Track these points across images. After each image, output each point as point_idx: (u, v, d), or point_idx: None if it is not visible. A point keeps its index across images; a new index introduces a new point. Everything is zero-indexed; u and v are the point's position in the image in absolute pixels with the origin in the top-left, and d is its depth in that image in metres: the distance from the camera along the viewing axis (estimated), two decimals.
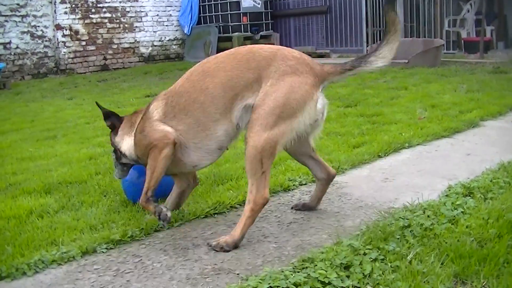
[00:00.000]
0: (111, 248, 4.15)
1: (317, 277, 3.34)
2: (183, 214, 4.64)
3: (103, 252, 4.09)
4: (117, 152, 4.62)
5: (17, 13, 17.68)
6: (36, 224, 4.63)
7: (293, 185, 5.31)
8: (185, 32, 21.32)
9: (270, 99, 3.82)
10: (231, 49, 4.24)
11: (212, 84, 4.01)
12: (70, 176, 6.05)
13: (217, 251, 3.94)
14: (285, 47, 4.13)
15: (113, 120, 4.63)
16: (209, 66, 4.10)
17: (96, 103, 4.73)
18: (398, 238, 3.81)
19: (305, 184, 5.37)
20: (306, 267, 3.50)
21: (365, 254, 3.59)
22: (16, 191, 5.57)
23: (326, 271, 3.38)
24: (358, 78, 12.50)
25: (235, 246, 3.94)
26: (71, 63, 18.73)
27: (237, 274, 3.60)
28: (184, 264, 3.81)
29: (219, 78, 3.99)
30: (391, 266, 3.46)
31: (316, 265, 3.48)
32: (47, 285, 3.67)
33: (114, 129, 4.62)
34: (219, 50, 19.71)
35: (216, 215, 4.70)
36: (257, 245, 4.04)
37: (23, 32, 17.77)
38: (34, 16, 18.02)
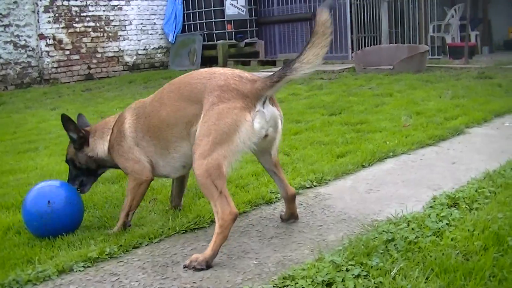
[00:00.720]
0: (88, 266, 4.04)
1: None
2: (162, 230, 4.54)
3: (80, 270, 3.98)
4: (86, 162, 4.93)
5: (0, 23, 17.53)
6: (13, 241, 4.54)
7: (275, 197, 5.20)
8: (170, 40, 21.24)
9: (203, 129, 3.99)
10: (179, 78, 4.45)
11: (165, 113, 4.35)
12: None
13: (192, 269, 3.86)
14: (217, 72, 4.21)
15: (83, 133, 4.90)
16: (164, 94, 4.44)
17: (62, 116, 4.87)
18: (381, 253, 3.72)
19: None
20: (287, 285, 3.42)
21: (347, 270, 3.50)
22: None
23: None
24: (343, 85, 12.48)
25: (207, 264, 3.86)
26: (55, 73, 18.59)
27: None
28: (163, 282, 3.70)
29: (170, 108, 4.32)
30: (374, 282, 3.37)
31: (297, 283, 3.40)
32: None
33: (84, 141, 4.89)
34: (204, 58, 19.74)
35: (196, 230, 4.60)
36: (237, 262, 3.94)
37: (6, 42, 17.61)
38: (17, 25, 17.87)
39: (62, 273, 3.97)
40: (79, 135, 4.84)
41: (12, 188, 6.13)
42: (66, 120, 4.81)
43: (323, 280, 3.39)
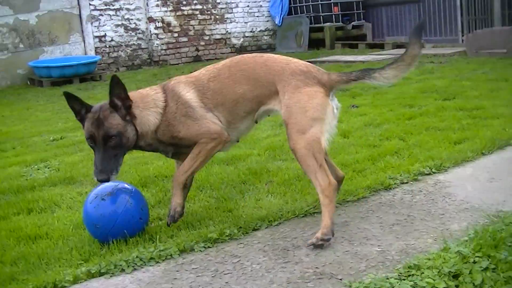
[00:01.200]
0: (208, 247, 4.08)
1: (424, 286, 3.17)
2: (281, 213, 4.54)
3: (200, 251, 4.03)
4: (123, 138, 4.23)
5: (111, 7, 17.99)
6: None
7: (394, 183, 5.10)
8: (276, 22, 21.19)
9: (296, 108, 4.22)
10: (247, 57, 4.61)
11: (241, 90, 4.43)
12: (166, 169, 6.04)
13: (319, 246, 3.94)
14: (292, 60, 4.49)
15: (122, 99, 4.26)
16: (234, 72, 4.48)
17: (112, 77, 4.23)
18: (509, 246, 3.55)
19: (407, 182, 5.15)
20: (413, 275, 3.33)
21: (474, 262, 3.38)
22: None
23: (434, 280, 3.21)
24: (454, 69, 12.13)
25: (332, 233, 4.00)
26: (164, 55, 18.93)
27: (340, 279, 3.46)
28: (284, 266, 3.69)
29: (246, 86, 4.43)
30: (503, 276, 3.23)
31: (423, 273, 3.31)
32: (145, 283, 3.64)
33: (118, 108, 4.23)
34: (311, 40, 19.62)
35: (315, 214, 4.55)
36: (359, 248, 3.89)
37: (117, 25, 18.07)
38: (127, 9, 18.29)
39: (183, 253, 4.02)
40: (127, 103, 4.26)
41: (129, 166, 6.27)
42: (116, 83, 4.20)
43: (450, 271, 3.29)
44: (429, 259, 3.47)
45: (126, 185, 4.44)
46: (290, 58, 4.55)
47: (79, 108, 4.27)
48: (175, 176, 4.46)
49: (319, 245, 3.93)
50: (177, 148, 4.54)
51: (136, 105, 4.31)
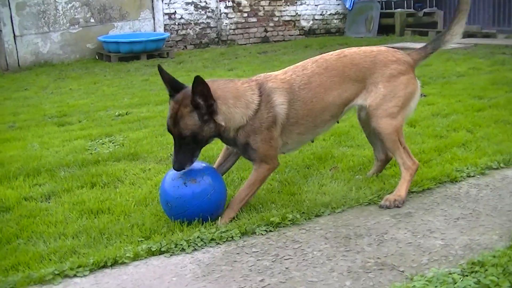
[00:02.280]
0: (270, 231, 4.07)
1: (487, 284, 3.10)
2: (345, 200, 4.48)
3: (262, 234, 4.02)
4: (198, 136, 4.17)
5: None
6: None
7: (461, 176, 5.00)
8: (347, 6, 20.95)
9: (389, 95, 4.55)
10: (331, 59, 4.64)
11: (331, 97, 4.56)
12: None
13: (388, 207, 4.41)
14: (380, 52, 4.71)
15: (205, 97, 4.12)
16: (324, 79, 4.55)
17: (196, 78, 4.01)
18: None
19: (473, 176, 5.04)
20: (476, 271, 3.27)
21: None
22: None
23: (498, 278, 3.14)
24: None
25: (403, 202, 4.46)
26: (232, 34, 18.91)
27: (402, 271, 3.41)
28: (346, 255, 3.65)
29: (336, 92, 4.57)
30: None
31: (487, 270, 3.24)
32: (205, 264, 3.64)
33: (199, 107, 4.11)
34: (381, 26, 19.37)
35: (380, 202, 4.49)
36: (422, 240, 3.82)
37: (187, 3, 18.07)
38: None
39: (244, 235, 4.02)
40: (210, 103, 4.14)
41: None
42: (199, 83, 4.03)
43: None
44: (494, 257, 3.39)
45: (211, 177, 4.30)
46: (370, 48, 4.77)
47: (168, 82, 4.24)
48: (231, 204, 4.39)
49: (389, 207, 4.42)
50: (241, 152, 4.49)
51: (225, 102, 4.24)
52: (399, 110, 4.55)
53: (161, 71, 4.22)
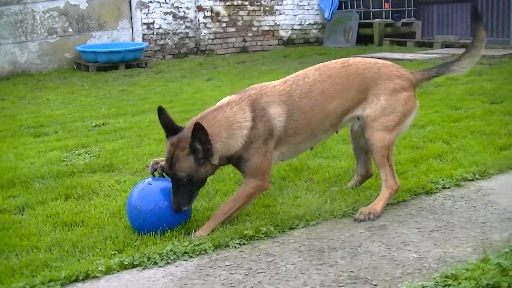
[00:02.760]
0: (243, 244, 4.04)
1: None
2: (319, 213, 4.47)
3: (235, 247, 3.99)
4: (193, 178, 4.21)
5: None
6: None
7: (436, 188, 5.01)
8: (326, 16, 20.99)
9: (389, 109, 4.57)
10: (335, 68, 4.67)
11: (332, 106, 4.57)
12: None
13: (363, 220, 4.38)
14: (385, 65, 4.73)
15: (202, 143, 4.15)
16: (327, 87, 4.57)
17: (196, 124, 4.08)
18: None
19: (449, 188, 5.05)
20: (449, 285, 3.25)
21: None
22: None
23: None
24: (504, 72, 11.87)
25: (378, 216, 4.43)
26: (211, 44, 18.90)
27: (375, 285, 3.39)
28: (319, 268, 3.63)
29: (338, 100, 4.58)
30: None
31: (460, 283, 3.23)
32: (177, 278, 3.61)
33: (196, 152, 4.16)
34: (359, 36, 19.43)
35: (355, 215, 4.48)
36: (396, 253, 3.81)
37: (166, 13, 18.04)
38: None
39: (217, 248, 3.99)
40: (206, 146, 4.16)
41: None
42: (199, 129, 4.08)
43: (488, 283, 3.18)
44: (467, 270, 3.37)
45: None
46: (374, 60, 4.81)
47: (165, 125, 4.30)
48: (211, 217, 4.36)
49: (364, 220, 4.39)
50: (235, 164, 4.48)
51: (219, 139, 4.25)
52: (395, 125, 4.58)
53: (160, 112, 4.29)
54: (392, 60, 14.77)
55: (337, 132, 4.88)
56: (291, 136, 4.51)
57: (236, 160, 4.39)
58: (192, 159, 4.15)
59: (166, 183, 4.33)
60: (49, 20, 15.92)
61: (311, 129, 4.58)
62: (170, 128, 4.28)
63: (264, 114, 4.36)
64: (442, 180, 5.14)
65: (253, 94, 4.47)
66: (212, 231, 4.23)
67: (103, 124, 8.49)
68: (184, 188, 4.20)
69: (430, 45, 17.98)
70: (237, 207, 4.37)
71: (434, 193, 4.95)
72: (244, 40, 19.59)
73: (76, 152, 6.87)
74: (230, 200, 4.44)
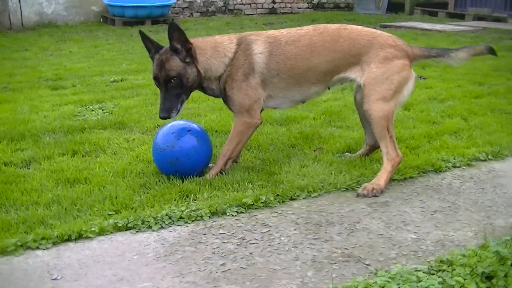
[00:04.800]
0: (241, 212, 3.99)
1: (452, 285, 2.99)
2: (322, 184, 4.39)
3: (232, 215, 3.95)
4: (183, 78, 4.46)
5: None
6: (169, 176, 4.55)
7: (446, 166, 4.88)
8: None
9: (382, 78, 4.52)
10: (330, 28, 4.77)
11: (318, 61, 4.63)
12: (218, 124, 5.96)
13: (366, 196, 4.30)
14: (377, 32, 4.77)
15: (192, 46, 4.50)
16: (315, 41, 4.66)
17: (171, 24, 4.47)
18: None
19: (459, 167, 4.92)
20: (443, 270, 3.16)
21: None
22: None
23: (464, 279, 3.03)
24: None
25: (382, 192, 4.36)
26: (240, 4, 18.73)
27: (367, 265, 3.31)
28: (313, 243, 3.56)
29: (324, 57, 4.63)
30: None
31: (455, 270, 3.13)
32: (169, 243, 3.58)
33: (178, 52, 4.46)
34: (390, 3, 19.14)
35: (358, 189, 4.39)
36: (394, 233, 3.72)
37: None
38: None
39: (214, 215, 3.95)
40: (187, 47, 4.45)
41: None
42: (175, 29, 4.41)
43: (484, 271, 3.07)
44: (464, 256, 3.28)
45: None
46: (373, 30, 4.81)
47: (150, 47, 4.58)
48: (218, 157, 4.70)
49: (366, 196, 4.31)
50: (224, 102, 4.76)
51: (203, 53, 4.56)
52: (392, 94, 4.52)
53: (143, 36, 4.65)
54: (421, 30, 14.65)
55: (329, 88, 4.90)
56: (274, 77, 4.65)
57: (224, 96, 4.68)
58: (177, 58, 4.44)
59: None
60: None
61: (295, 77, 4.68)
62: (157, 46, 4.56)
63: (247, 49, 4.63)
64: (454, 158, 5.02)
65: (246, 33, 4.82)
66: (210, 196, 4.19)
67: (121, 80, 8.47)
68: (173, 91, 4.45)
69: (461, 17, 17.64)
70: (233, 146, 4.65)
71: (444, 171, 4.83)
72: (274, 2, 19.37)
73: (91, 107, 6.86)
74: (226, 141, 4.71)
